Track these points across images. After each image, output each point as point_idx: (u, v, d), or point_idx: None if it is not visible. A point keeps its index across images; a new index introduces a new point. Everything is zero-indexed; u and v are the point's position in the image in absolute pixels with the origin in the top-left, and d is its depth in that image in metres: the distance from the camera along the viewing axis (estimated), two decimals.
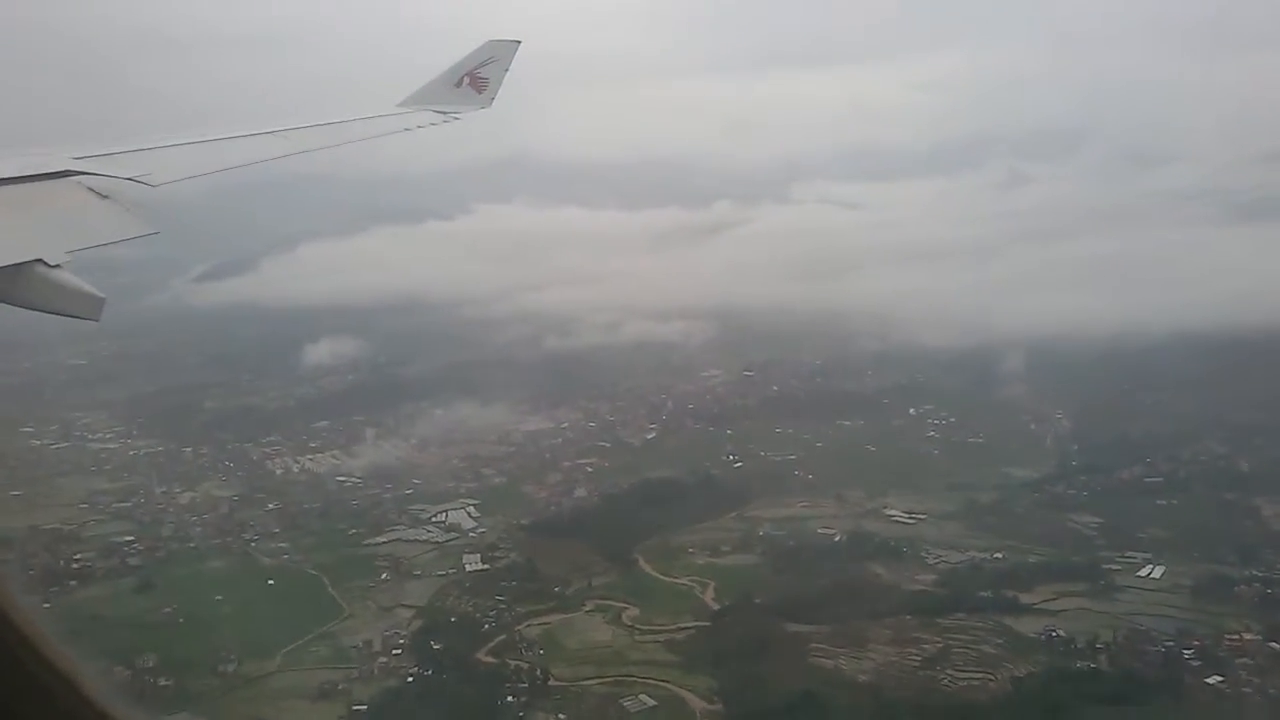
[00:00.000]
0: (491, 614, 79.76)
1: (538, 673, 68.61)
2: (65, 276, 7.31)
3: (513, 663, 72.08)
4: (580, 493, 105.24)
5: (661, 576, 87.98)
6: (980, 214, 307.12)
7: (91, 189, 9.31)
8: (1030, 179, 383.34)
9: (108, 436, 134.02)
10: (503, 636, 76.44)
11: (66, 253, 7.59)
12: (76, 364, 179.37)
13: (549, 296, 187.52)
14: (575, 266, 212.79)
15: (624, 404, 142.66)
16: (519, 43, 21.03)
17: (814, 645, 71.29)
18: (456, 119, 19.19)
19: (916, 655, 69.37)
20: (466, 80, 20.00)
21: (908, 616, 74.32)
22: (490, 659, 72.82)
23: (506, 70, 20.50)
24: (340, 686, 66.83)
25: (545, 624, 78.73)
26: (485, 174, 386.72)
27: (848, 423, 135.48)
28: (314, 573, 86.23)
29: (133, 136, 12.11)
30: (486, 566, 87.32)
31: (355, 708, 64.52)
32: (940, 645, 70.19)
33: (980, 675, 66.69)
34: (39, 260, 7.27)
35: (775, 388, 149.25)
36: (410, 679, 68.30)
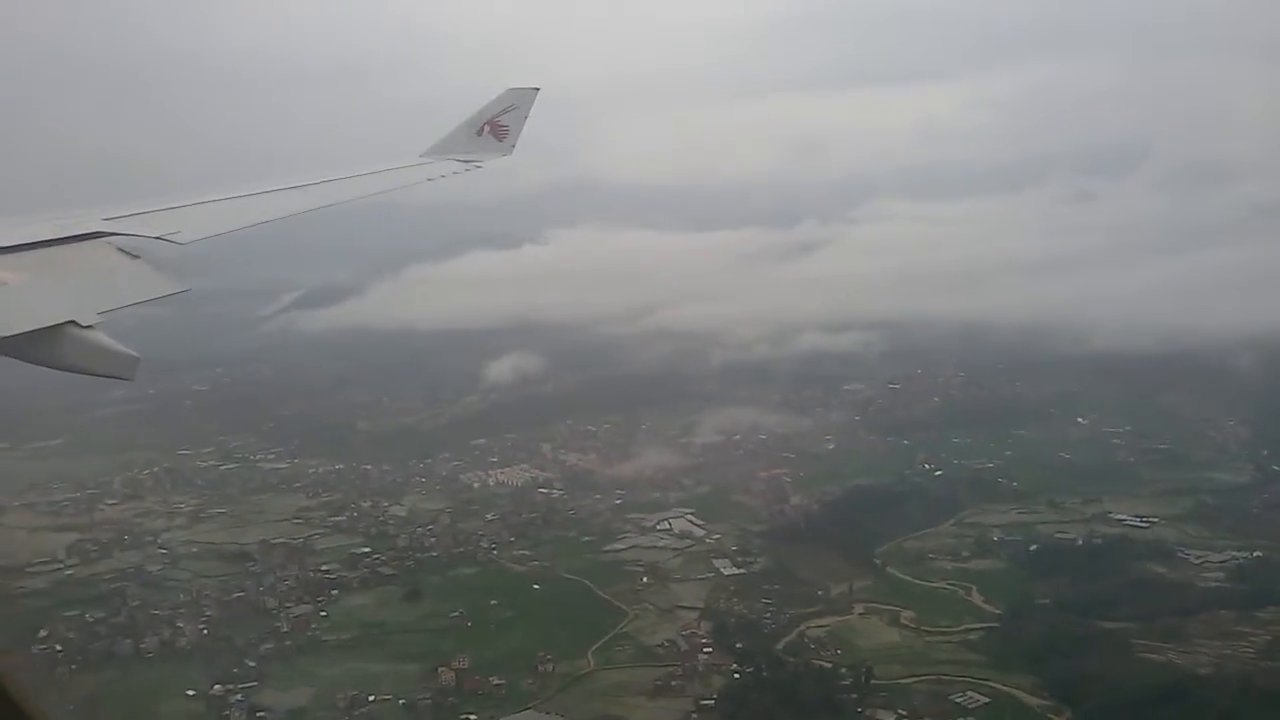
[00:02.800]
0: (767, 615, 79.94)
1: (862, 671, 68.03)
2: (98, 337, 7.38)
3: (817, 662, 71.81)
4: (795, 500, 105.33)
5: (916, 580, 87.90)
6: (1065, 228, 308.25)
7: (122, 249, 9.50)
8: (1095, 195, 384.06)
9: (270, 457, 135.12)
10: (789, 636, 76.57)
11: (98, 313, 7.64)
12: (200, 389, 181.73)
13: (682, 314, 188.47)
14: (692, 285, 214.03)
15: (786, 417, 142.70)
16: (537, 89, 21.48)
17: (1134, 641, 70.74)
18: (479, 167, 19.49)
19: (1248, 647, 68.80)
20: (487, 128, 20.39)
21: (1221, 611, 73.53)
22: (791, 658, 72.57)
23: (526, 117, 20.93)
24: (673, 684, 66.77)
25: (824, 625, 78.79)
26: (545, 200, 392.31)
27: (1023, 431, 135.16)
28: (571, 577, 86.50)
29: (162, 194, 12.34)
30: (742, 571, 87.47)
31: (702, 702, 64.38)
32: (1268, 637, 69.54)
33: None
34: (72, 322, 7.35)
35: (936, 399, 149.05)
36: (736, 675, 68.27)
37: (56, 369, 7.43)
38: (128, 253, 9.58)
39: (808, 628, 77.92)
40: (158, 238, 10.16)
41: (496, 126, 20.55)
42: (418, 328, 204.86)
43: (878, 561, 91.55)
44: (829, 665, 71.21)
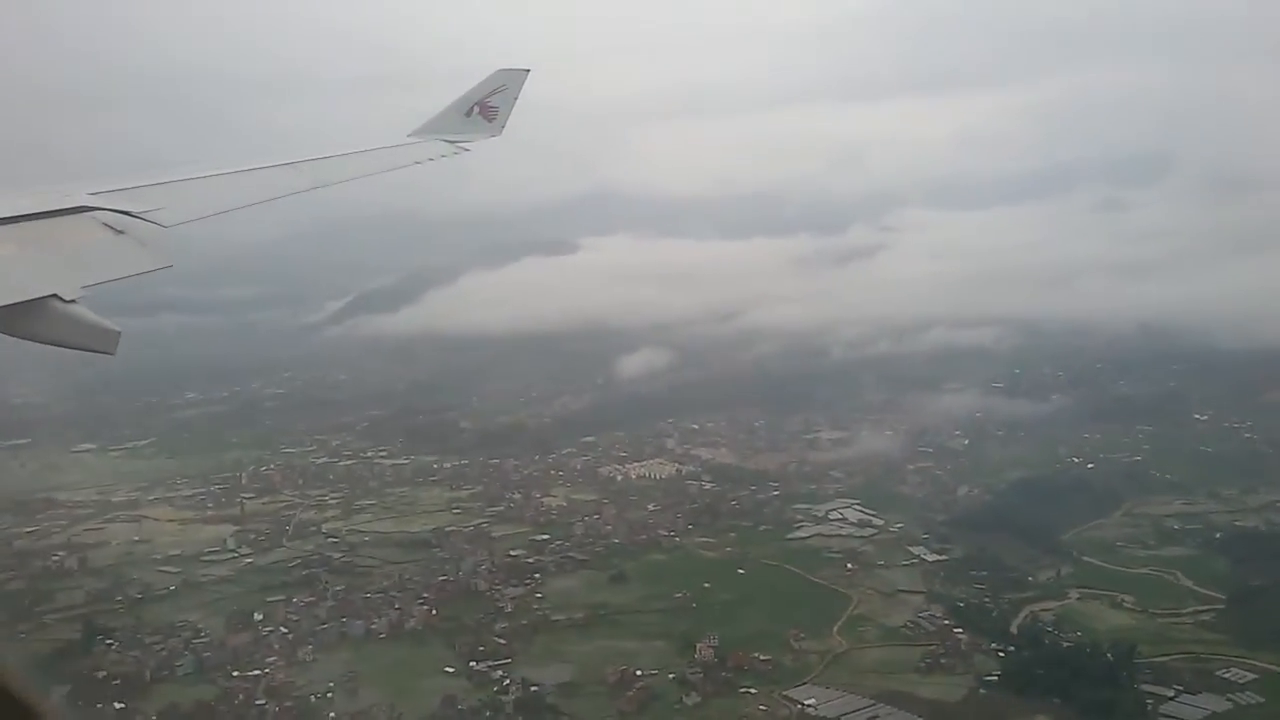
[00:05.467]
0: (987, 599, 79.58)
1: (1123, 650, 67.97)
2: (81, 311, 7.45)
3: (1064, 643, 71.61)
4: (963, 492, 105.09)
5: (1116, 567, 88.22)
6: (1115, 233, 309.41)
7: (107, 224, 9.48)
8: (1126, 204, 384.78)
9: (381, 454, 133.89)
10: (1019, 619, 76.55)
11: (81, 288, 7.74)
12: (276, 392, 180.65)
13: (766, 316, 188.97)
14: (764, 289, 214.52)
15: (902, 414, 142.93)
16: (528, 70, 21.36)
17: None
18: (466, 150, 19.41)
19: None
20: (477, 109, 20.31)
21: None
22: (1044, 639, 72.55)
23: (516, 98, 20.85)
24: (941, 661, 66.42)
25: (1048, 609, 78.80)
26: (571, 211, 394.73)
27: (1148, 427, 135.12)
28: (771, 563, 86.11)
29: (148, 172, 12.05)
30: (944, 558, 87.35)
31: (985, 678, 64.00)
32: None
33: None
34: (54, 296, 7.47)
35: (1055, 396, 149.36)
36: (1001, 654, 67.94)
37: (39, 342, 7.37)
38: (112, 228, 9.52)
39: (1033, 611, 77.66)
40: (142, 215, 10.05)
41: (486, 107, 20.51)
42: (487, 332, 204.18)
43: (1069, 550, 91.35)
44: (1079, 646, 70.63)
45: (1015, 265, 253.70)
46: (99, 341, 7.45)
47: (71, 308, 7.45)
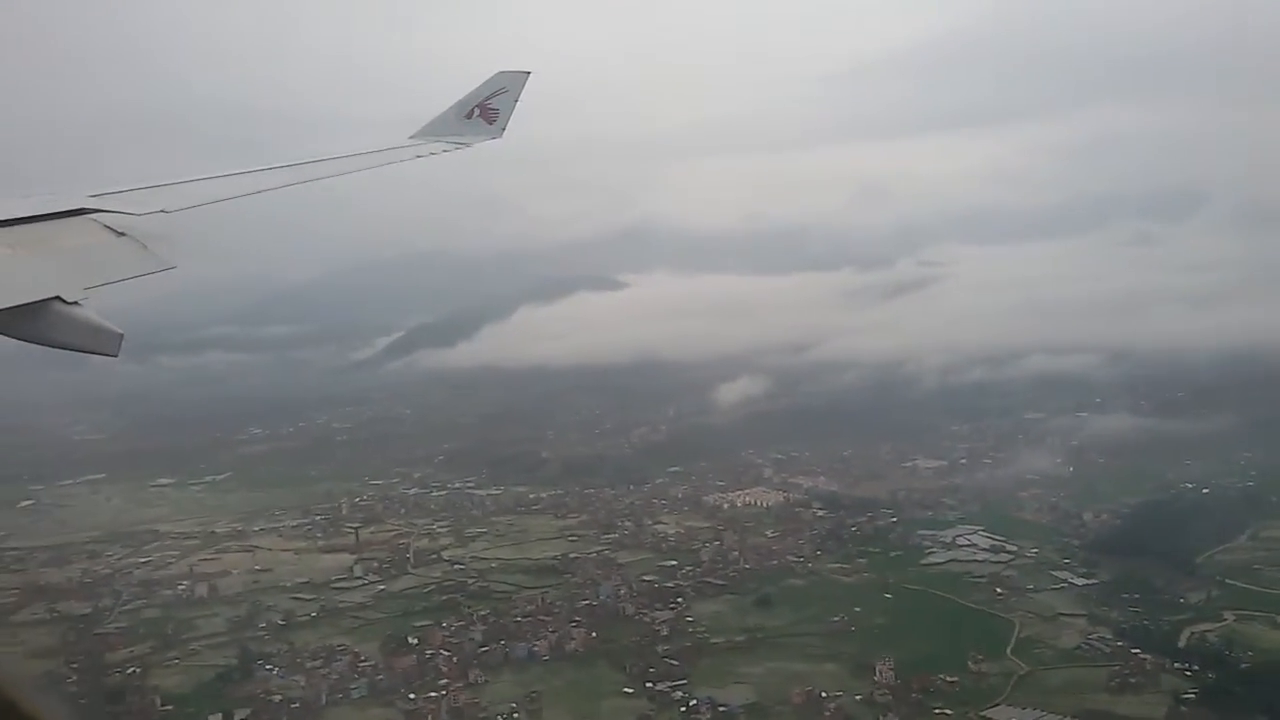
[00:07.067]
0: (1146, 622, 78.67)
1: None
2: (84, 313, 7.53)
3: (1242, 663, 70.73)
4: (1089, 516, 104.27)
5: (1262, 589, 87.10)
6: (1162, 266, 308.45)
7: (108, 226, 9.58)
8: (1161, 238, 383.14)
9: (469, 484, 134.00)
10: (1182, 641, 75.44)
11: (84, 290, 7.84)
12: (343, 426, 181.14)
13: (837, 347, 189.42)
14: (827, 322, 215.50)
15: (989, 443, 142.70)
16: (529, 73, 21.40)
17: None
18: (466, 146, 19.51)
19: None
20: (477, 111, 20.46)
21: None
22: (1224, 659, 71.69)
23: (516, 100, 20.88)
24: (1131, 681, 65.63)
25: (1209, 630, 77.81)
26: (607, 246, 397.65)
27: (1248, 454, 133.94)
28: (916, 588, 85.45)
29: (147, 173, 12.30)
30: (1094, 581, 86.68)
31: (1183, 696, 63.23)
32: None
33: None
34: (57, 298, 7.54)
35: (1145, 423, 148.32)
36: (1188, 674, 67.21)
37: (42, 345, 7.45)
38: (114, 230, 9.58)
39: (1196, 632, 76.80)
40: (145, 214, 10.15)
41: (486, 109, 20.46)
42: (548, 366, 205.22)
43: (1211, 573, 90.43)
44: (1261, 665, 69.84)
45: (1072, 296, 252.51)
46: (102, 343, 7.48)
47: (74, 310, 7.50)
